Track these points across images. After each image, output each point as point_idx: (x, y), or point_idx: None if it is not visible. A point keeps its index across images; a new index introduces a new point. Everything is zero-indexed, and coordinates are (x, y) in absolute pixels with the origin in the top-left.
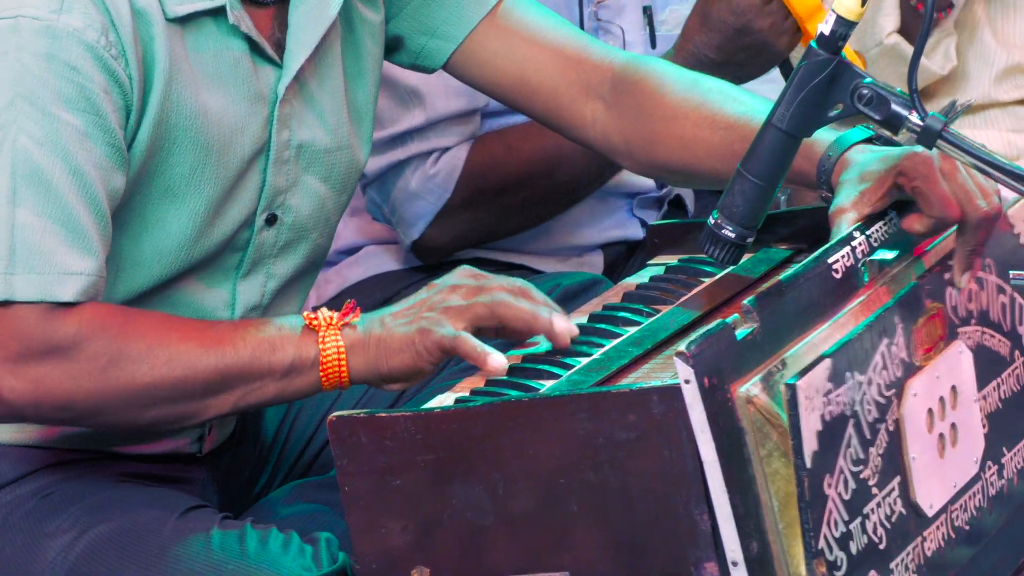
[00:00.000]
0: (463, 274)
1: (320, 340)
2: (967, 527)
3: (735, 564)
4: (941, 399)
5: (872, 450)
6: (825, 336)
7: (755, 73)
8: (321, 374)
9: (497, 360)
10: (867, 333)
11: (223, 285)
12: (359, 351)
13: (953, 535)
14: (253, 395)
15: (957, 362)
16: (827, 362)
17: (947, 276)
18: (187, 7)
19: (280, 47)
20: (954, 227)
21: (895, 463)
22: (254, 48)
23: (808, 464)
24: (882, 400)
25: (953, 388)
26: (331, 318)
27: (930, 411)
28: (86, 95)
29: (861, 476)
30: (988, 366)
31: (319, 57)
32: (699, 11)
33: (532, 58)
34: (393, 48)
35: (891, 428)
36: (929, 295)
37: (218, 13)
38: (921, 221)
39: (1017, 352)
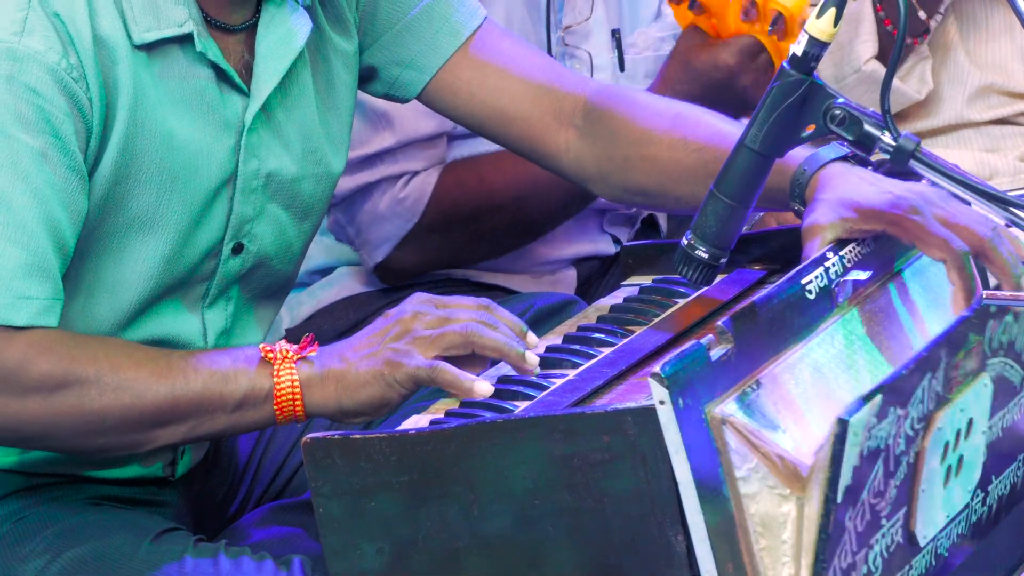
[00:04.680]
0: (421, 301)
1: (275, 374)
2: (946, 554)
3: None
4: (958, 432)
5: (892, 482)
6: (801, 356)
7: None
8: (275, 408)
9: (484, 386)
10: (918, 367)
11: (194, 314)
12: (315, 386)
13: (934, 562)
14: (204, 426)
15: (980, 395)
16: (878, 398)
17: (993, 309)
18: (153, 34)
19: (249, 72)
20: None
21: (906, 494)
22: (221, 76)
23: (839, 499)
24: (911, 433)
25: (970, 421)
26: (287, 352)
27: (947, 444)
28: (46, 117)
29: (877, 508)
30: (1001, 397)
31: (287, 86)
32: (681, 58)
33: (505, 88)
34: (367, 78)
35: (912, 460)
36: (974, 328)
37: (185, 40)
38: (952, 282)
39: None
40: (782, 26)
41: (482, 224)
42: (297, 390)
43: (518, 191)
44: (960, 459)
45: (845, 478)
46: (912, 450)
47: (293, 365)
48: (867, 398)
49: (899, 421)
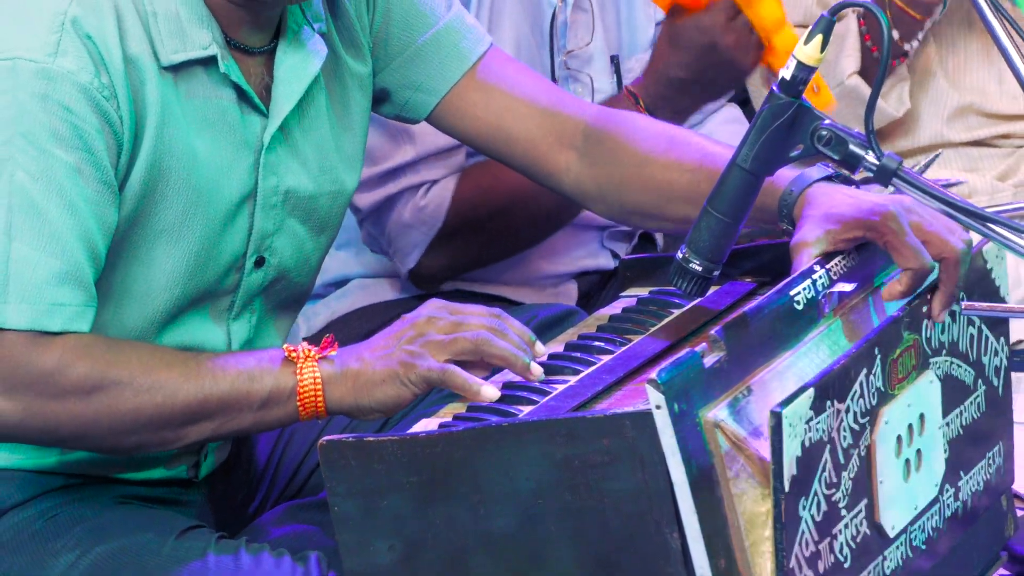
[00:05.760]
0: (436, 307)
1: (298, 372)
2: (923, 547)
3: None
4: (910, 426)
5: (844, 474)
6: (789, 364)
7: (723, 90)
8: (299, 404)
9: (490, 391)
10: (849, 363)
11: (219, 325)
12: (336, 384)
13: (911, 554)
14: (231, 423)
15: (927, 391)
16: (810, 391)
17: (924, 309)
18: (180, 56)
19: (268, 93)
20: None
21: (864, 486)
22: (242, 96)
23: (786, 488)
24: (857, 427)
25: (921, 416)
26: (309, 351)
27: (899, 437)
28: (80, 134)
29: (833, 499)
30: (953, 394)
31: (304, 107)
32: (667, 34)
33: (510, 111)
34: (380, 100)
35: (863, 453)
36: (907, 327)
37: (209, 62)
38: (901, 281)
39: (980, 381)
40: None
41: (501, 222)
42: (319, 388)
43: (531, 188)
44: (919, 453)
45: (789, 468)
46: (861, 444)
47: (315, 364)
48: (798, 392)
49: (839, 414)
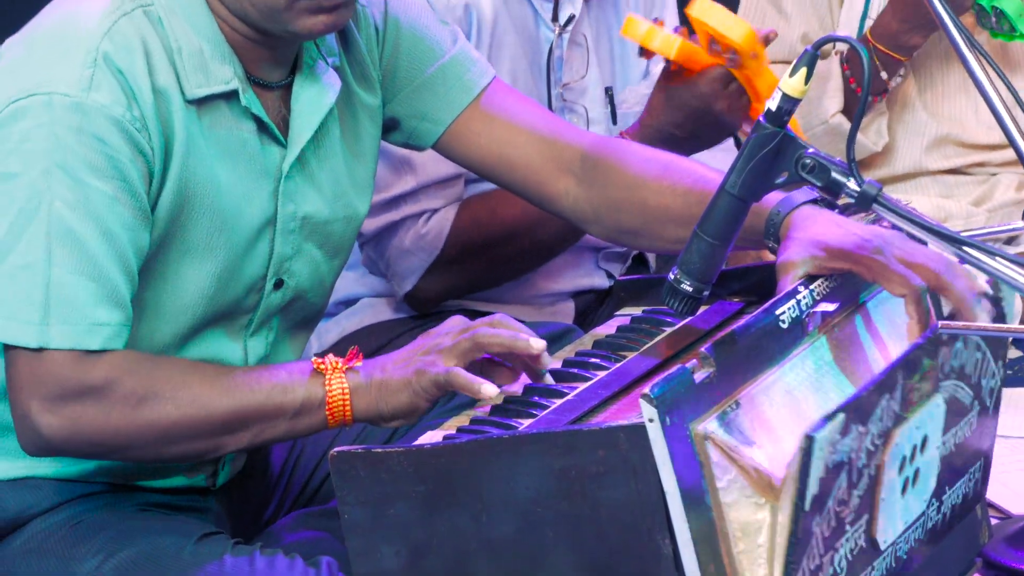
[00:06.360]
0: (453, 322)
1: (327, 383)
2: (905, 556)
3: None
4: (914, 447)
5: (855, 492)
6: (775, 379)
7: (711, 143)
8: (327, 413)
9: (490, 388)
10: (876, 388)
11: (237, 341)
12: (362, 393)
13: (894, 564)
14: (266, 433)
15: (933, 414)
16: (841, 416)
17: (944, 337)
18: (204, 90)
19: (286, 125)
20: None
21: (868, 502)
22: (262, 128)
23: (807, 507)
24: (872, 448)
25: (925, 437)
26: (336, 363)
27: (904, 457)
28: (115, 164)
29: (841, 515)
30: (953, 415)
31: (320, 138)
32: (662, 92)
33: (511, 139)
34: (389, 128)
35: (872, 472)
36: (928, 354)
37: (231, 96)
38: (908, 314)
39: (976, 401)
40: (736, 58)
41: (497, 252)
42: (347, 398)
43: (527, 221)
44: (916, 471)
45: (812, 488)
46: (873, 463)
47: (343, 375)
48: (830, 417)
49: (860, 437)
